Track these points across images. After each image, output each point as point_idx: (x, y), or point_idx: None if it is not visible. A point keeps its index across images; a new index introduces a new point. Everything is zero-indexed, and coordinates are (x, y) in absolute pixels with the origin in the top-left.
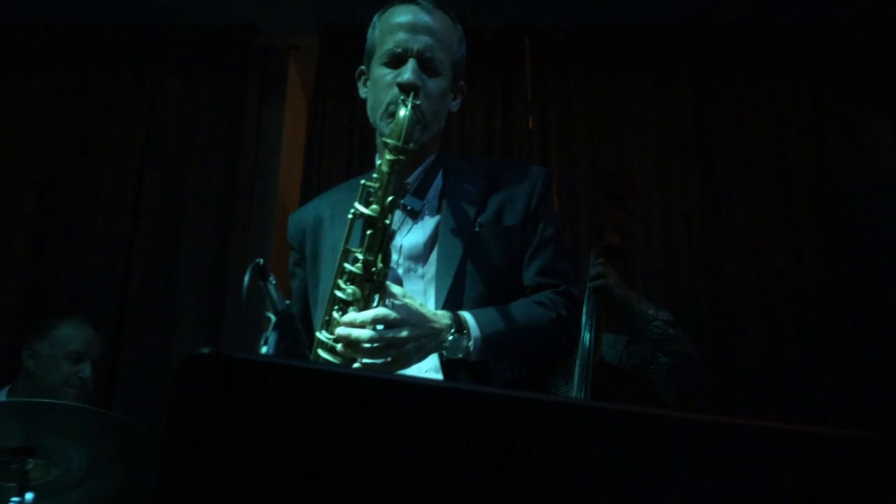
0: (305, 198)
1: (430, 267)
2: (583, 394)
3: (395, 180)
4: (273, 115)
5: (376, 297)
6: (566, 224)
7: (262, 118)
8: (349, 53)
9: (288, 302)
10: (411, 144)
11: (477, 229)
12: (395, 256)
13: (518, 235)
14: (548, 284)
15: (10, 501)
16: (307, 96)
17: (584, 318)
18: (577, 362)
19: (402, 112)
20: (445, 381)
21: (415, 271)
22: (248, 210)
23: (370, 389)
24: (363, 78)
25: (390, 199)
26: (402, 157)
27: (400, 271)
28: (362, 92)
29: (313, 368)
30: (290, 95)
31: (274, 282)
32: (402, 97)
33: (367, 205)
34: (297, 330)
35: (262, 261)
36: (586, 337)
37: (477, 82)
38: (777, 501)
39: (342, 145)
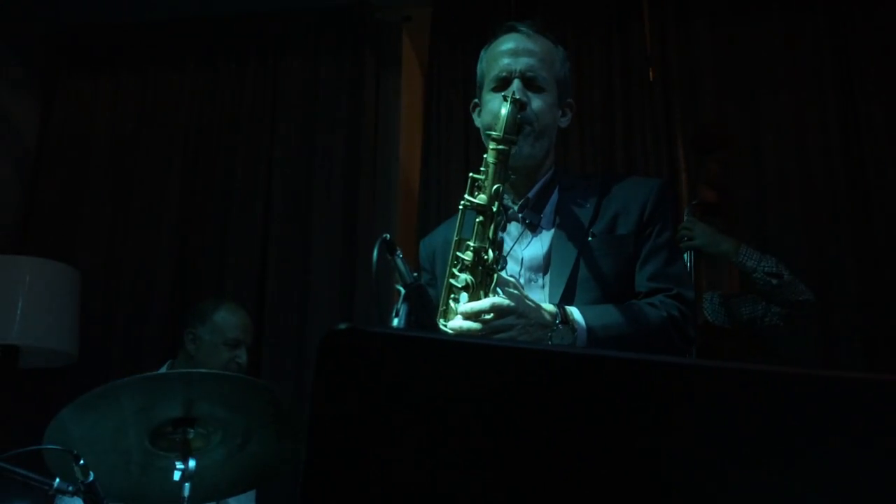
0: (426, 170)
1: (549, 278)
2: None
3: (501, 170)
4: (390, 87)
5: (490, 285)
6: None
7: (380, 92)
8: (461, 22)
9: (415, 274)
10: (516, 137)
11: (590, 239)
12: (517, 267)
13: (631, 244)
14: (659, 289)
15: (175, 467)
16: (422, 67)
17: None
18: None
19: (504, 110)
20: (587, 349)
21: (535, 282)
22: (373, 183)
23: (505, 359)
24: (477, 109)
25: (496, 187)
26: (505, 148)
27: (522, 281)
28: (477, 122)
29: (443, 340)
30: (406, 67)
31: (401, 255)
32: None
33: (474, 195)
34: (427, 301)
35: (388, 235)
36: None
37: (592, 38)
38: None
39: (458, 114)
